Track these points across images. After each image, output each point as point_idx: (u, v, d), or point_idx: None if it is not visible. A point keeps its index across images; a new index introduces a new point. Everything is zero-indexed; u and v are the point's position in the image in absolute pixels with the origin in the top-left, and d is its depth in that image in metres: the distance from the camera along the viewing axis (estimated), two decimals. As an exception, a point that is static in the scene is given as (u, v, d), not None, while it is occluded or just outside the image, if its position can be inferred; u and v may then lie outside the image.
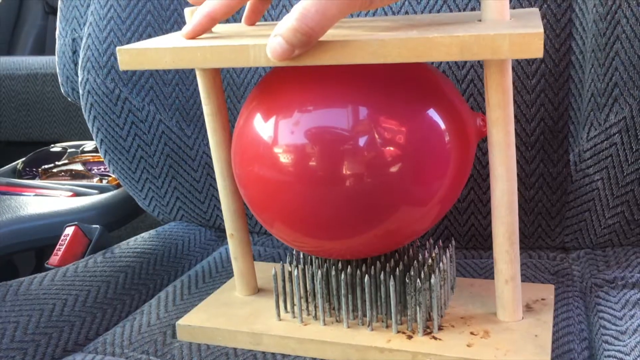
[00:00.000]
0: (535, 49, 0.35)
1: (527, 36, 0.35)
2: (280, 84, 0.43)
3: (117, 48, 0.42)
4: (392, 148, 0.41)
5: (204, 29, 0.42)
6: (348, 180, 0.41)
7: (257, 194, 0.44)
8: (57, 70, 0.71)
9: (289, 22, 0.36)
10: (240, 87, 0.63)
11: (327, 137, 0.41)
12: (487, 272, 0.55)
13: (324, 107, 0.41)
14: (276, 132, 0.42)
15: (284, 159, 0.41)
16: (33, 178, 0.91)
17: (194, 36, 0.43)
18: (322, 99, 0.41)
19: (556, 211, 0.57)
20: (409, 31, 0.38)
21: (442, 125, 0.42)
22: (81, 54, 0.66)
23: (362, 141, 0.40)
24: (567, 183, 0.56)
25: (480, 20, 0.41)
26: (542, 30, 0.36)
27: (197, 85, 0.64)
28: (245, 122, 0.44)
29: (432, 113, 0.42)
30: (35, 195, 0.82)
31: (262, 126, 0.43)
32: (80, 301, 0.53)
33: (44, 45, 1.67)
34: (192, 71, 0.64)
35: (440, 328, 0.44)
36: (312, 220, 0.42)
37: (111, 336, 0.49)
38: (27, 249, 0.74)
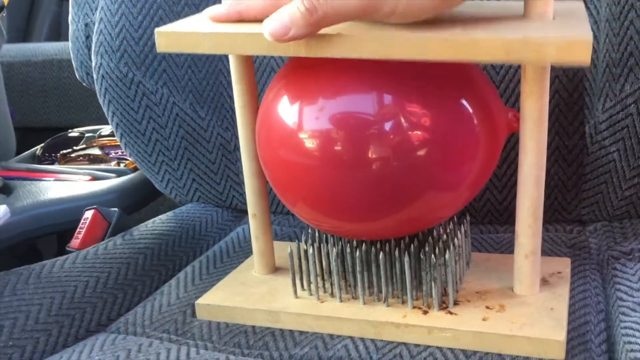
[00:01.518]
0: (583, 56, 0.35)
1: (575, 42, 0.35)
2: (306, 68, 0.43)
3: (156, 30, 0.42)
4: (418, 132, 0.40)
5: (229, 20, 0.43)
6: (374, 163, 0.41)
7: (282, 176, 0.44)
8: (71, 56, 0.71)
9: (297, 2, 0.36)
10: (266, 69, 0.63)
11: (353, 122, 0.41)
12: (503, 247, 0.55)
13: (350, 92, 0.41)
14: (301, 117, 0.42)
15: (309, 143, 0.41)
16: (52, 163, 0.93)
17: (219, 21, 0.43)
18: (349, 84, 0.41)
19: (572, 184, 0.57)
20: (452, 28, 0.37)
21: (471, 115, 0.42)
22: (94, 39, 0.66)
23: (387, 125, 0.40)
24: (583, 155, 0.56)
25: (524, 16, 0.40)
26: (590, 36, 0.35)
27: (209, 67, 0.65)
28: (270, 103, 0.44)
29: (461, 101, 0.42)
30: (55, 180, 0.83)
31: (288, 110, 0.43)
32: (101, 283, 0.54)
33: (59, 31, 1.68)
34: (204, 54, 0.64)
35: (455, 303, 0.44)
36: (337, 202, 0.43)
37: (132, 316, 0.50)
38: (49, 233, 0.75)
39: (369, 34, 0.37)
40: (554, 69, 0.54)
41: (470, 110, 0.42)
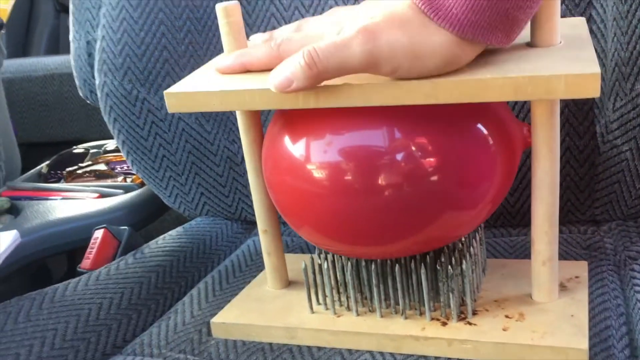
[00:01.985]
0: (592, 89, 0.34)
1: (584, 76, 0.34)
2: None
3: (165, 92, 0.43)
4: (431, 159, 0.40)
5: (235, 72, 0.44)
6: (386, 190, 0.40)
7: (288, 201, 0.44)
8: (74, 74, 0.71)
9: (298, 56, 0.37)
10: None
11: (363, 154, 0.40)
12: (518, 251, 0.55)
13: (359, 125, 0.41)
14: (309, 150, 0.42)
15: (318, 174, 0.41)
16: (58, 181, 0.92)
17: (225, 73, 0.44)
18: (357, 117, 0.41)
19: (585, 184, 0.57)
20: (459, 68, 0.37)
21: (485, 135, 0.41)
22: (96, 57, 0.66)
23: (399, 156, 0.40)
24: (595, 155, 0.55)
25: (529, 45, 0.40)
26: (598, 68, 0.35)
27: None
28: (278, 131, 0.44)
29: (474, 122, 0.41)
30: (62, 198, 0.83)
31: (295, 143, 0.42)
32: (115, 304, 0.54)
33: (57, 44, 1.68)
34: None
35: (474, 313, 0.44)
36: (347, 227, 0.42)
37: (148, 337, 0.50)
38: (59, 252, 0.75)
39: (375, 82, 0.37)
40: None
41: (484, 131, 0.41)
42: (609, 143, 0.54)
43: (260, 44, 0.44)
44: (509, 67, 0.37)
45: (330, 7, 0.56)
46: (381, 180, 0.40)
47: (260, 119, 0.48)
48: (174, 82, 0.64)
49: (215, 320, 0.48)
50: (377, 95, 0.38)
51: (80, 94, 0.72)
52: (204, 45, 0.64)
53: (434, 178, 0.40)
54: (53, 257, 0.77)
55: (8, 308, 0.51)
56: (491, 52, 0.39)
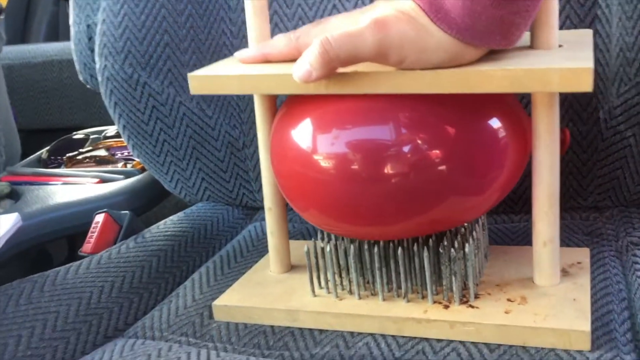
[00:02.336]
0: (585, 83, 0.36)
1: (577, 70, 0.36)
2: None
3: (189, 75, 0.46)
4: (438, 151, 0.41)
5: (256, 61, 0.46)
6: (392, 178, 0.41)
7: (295, 187, 0.44)
8: (74, 58, 0.71)
9: (313, 44, 0.39)
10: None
11: (370, 146, 0.41)
12: (520, 237, 0.55)
13: (366, 116, 0.41)
14: (316, 141, 0.42)
15: (325, 163, 0.42)
16: (58, 166, 0.92)
17: (247, 62, 0.47)
18: (364, 107, 0.41)
19: (587, 170, 0.56)
20: None
21: (494, 124, 0.42)
22: (97, 40, 0.65)
23: (406, 148, 0.41)
24: (598, 141, 0.55)
25: (530, 47, 0.41)
26: (592, 64, 0.36)
27: (215, 64, 0.64)
28: (286, 120, 0.45)
29: (483, 113, 0.42)
30: (63, 183, 0.83)
31: (303, 133, 0.43)
32: (116, 287, 0.54)
33: (57, 31, 1.67)
34: (209, 51, 0.64)
35: (476, 296, 0.44)
36: (353, 209, 0.43)
37: (149, 320, 0.50)
38: (59, 237, 0.75)
39: (383, 71, 0.39)
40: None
41: (493, 122, 0.42)
42: (612, 129, 0.54)
43: (280, 36, 0.46)
44: (508, 61, 0.38)
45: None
46: (387, 169, 0.41)
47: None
48: (175, 66, 0.63)
49: (217, 303, 0.48)
50: (384, 82, 0.39)
51: (80, 78, 0.71)
52: (205, 29, 0.64)
53: (441, 167, 0.41)
54: (53, 242, 0.77)
55: (9, 290, 0.51)
56: (495, 51, 0.41)
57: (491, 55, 0.40)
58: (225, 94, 0.64)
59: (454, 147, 0.41)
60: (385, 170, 0.41)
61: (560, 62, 0.37)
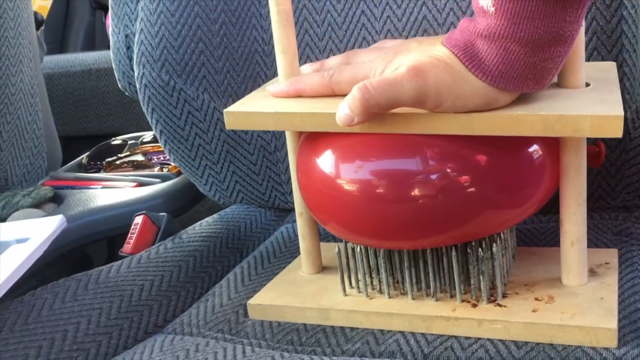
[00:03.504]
0: (616, 130, 0.37)
1: (608, 118, 0.37)
2: None
3: (225, 111, 0.46)
4: (467, 177, 0.41)
5: (288, 96, 0.47)
6: (420, 199, 0.42)
7: (318, 203, 0.46)
8: (114, 67, 0.74)
9: (354, 91, 0.40)
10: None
11: (396, 174, 0.42)
12: (548, 237, 0.55)
13: (394, 148, 0.42)
14: (339, 169, 0.44)
15: (350, 187, 0.43)
16: (98, 171, 0.95)
17: (279, 97, 0.48)
18: (393, 139, 0.42)
19: (616, 170, 0.57)
20: None
21: (529, 148, 0.42)
22: (135, 50, 0.68)
23: (434, 176, 0.41)
24: (626, 141, 0.56)
25: (558, 84, 0.42)
26: (622, 110, 0.37)
27: (247, 71, 0.66)
28: (312, 143, 0.46)
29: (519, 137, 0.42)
30: (102, 187, 0.86)
31: (327, 159, 0.44)
32: (155, 286, 0.56)
33: (93, 40, 1.72)
34: (241, 58, 0.66)
35: (504, 295, 0.45)
36: (378, 228, 0.44)
37: (187, 317, 0.52)
38: (100, 239, 0.78)
39: (417, 113, 0.40)
40: (592, 55, 0.54)
41: (527, 144, 0.42)
42: (640, 129, 0.54)
43: (313, 73, 0.47)
44: (539, 105, 0.39)
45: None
46: (414, 192, 0.41)
47: None
48: (209, 72, 0.66)
49: (251, 302, 0.50)
50: (418, 124, 0.41)
51: (119, 86, 0.74)
52: (237, 36, 0.66)
53: (471, 190, 0.41)
54: (94, 244, 0.80)
55: (56, 288, 0.54)
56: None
57: (522, 96, 0.41)
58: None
59: (487, 171, 0.41)
60: (412, 194, 0.41)
61: (590, 107, 0.38)
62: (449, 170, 0.41)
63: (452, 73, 0.39)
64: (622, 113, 0.37)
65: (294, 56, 0.48)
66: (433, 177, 0.41)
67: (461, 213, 0.42)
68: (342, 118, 0.41)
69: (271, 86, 0.48)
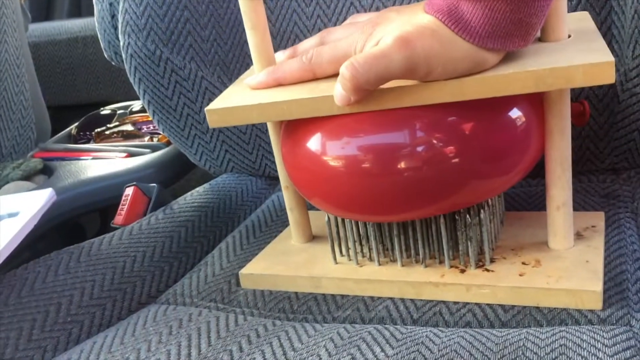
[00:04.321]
0: (608, 76, 0.37)
1: (600, 65, 0.36)
2: None
3: (206, 109, 0.45)
4: (452, 147, 0.41)
5: (268, 87, 0.46)
6: (405, 172, 0.41)
7: (304, 179, 0.46)
8: (99, 36, 0.72)
9: (342, 70, 0.39)
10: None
11: (382, 147, 0.42)
12: (536, 200, 0.56)
13: (376, 123, 0.42)
14: (325, 146, 0.43)
15: (335, 162, 0.43)
16: (87, 142, 0.95)
17: (259, 88, 0.46)
18: (374, 113, 0.42)
19: (604, 133, 0.57)
20: None
21: (514, 114, 0.42)
22: (120, 18, 0.67)
23: (420, 148, 0.41)
24: (614, 104, 0.56)
25: (540, 40, 0.42)
26: (611, 56, 0.37)
27: (234, 38, 0.65)
28: (294, 123, 0.45)
29: (501, 104, 0.42)
30: (93, 158, 0.86)
31: (313, 138, 0.44)
32: (148, 257, 0.57)
33: (79, 7, 1.69)
34: (228, 25, 0.65)
35: (492, 260, 0.45)
36: (363, 203, 0.43)
37: (180, 287, 0.53)
38: (91, 210, 0.78)
39: (405, 85, 0.40)
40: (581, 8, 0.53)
41: (512, 110, 0.42)
42: (628, 91, 0.54)
43: (290, 60, 0.46)
44: (528, 61, 0.39)
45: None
46: (400, 164, 0.41)
47: None
48: (196, 41, 0.65)
49: (243, 271, 0.51)
50: (408, 96, 0.40)
51: (106, 56, 0.73)
52: (224, 3, 0.65)
53: (455, 160, 0.41)
54: (86, 215, 0.80)
55: (48, 261, 0.54)
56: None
57: (509, 55, 0.40)
58: (245, 66, 0.66)
59: (475, 139, 0.41)
60: (398, 166, 0.41)
61: (580, 57, 0.38)
62: (433, 141, 0.41)
63: (439, 39, 0.38)
64: (612, 59, 0.37)
65: (264, 31, 0.46)
66: (418, 149, 0.41)
67: (448, 184, 0.42)
68: (339, 98, 0.40)
69: (248, 78, 0.47)
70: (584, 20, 0.46)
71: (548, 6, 0.38)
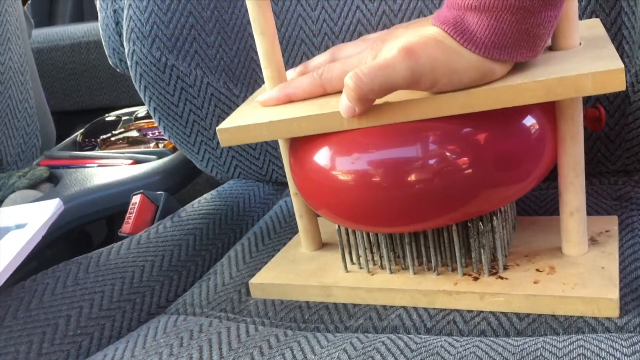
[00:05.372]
0: (618, 83, 0.36)
1: (609, 72, 0.36)
2: None
3: (217, 128, 0.45)
4: (466, 158, 0.40)
5: (279, 103, 0.46)
6: (416, 184, 0.41)
7: (312, 191, 0.45)
8: (103, 43, 0.72)
9: (346, 81, 0.39)
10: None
11: (392, 162, 0.41)
12: (548, 204, 0.55)
13: (386, 137, 0.41)
14: (334, 162, 0.43)
15: (344, 177, 0.42)
16: (93, 148, 0.95)
17: (270, 105, 0.47)
18: (385, 127, 0.42)
19: (615, 134, 0.56)
20: None
21: (528, 122, 0.42)
22: (124, 25, 0.67)
23: (431, 161, 0.40)
24: (625, 105, 0.55)
25: (551, 48, 0.41)
26: (621, 63, 0.36)
27: (239, 44, 0.65)
28: (303, 137, 0.45)
29: (514, 113, 0.41)
30: (98, 166, 0.86)
31: (321, 152, 0.43)
32: (156, 266, 0.56)
33: (82, 12, 1.68)
34: (233, 31, 0.65)
35: (505, 268, 0.45)
36: (374, 215, 0.43)
37: (190, 297, 0.52)
38: (98, 218, 0.78)
39: (413, 98, 0.39)
40: (590, 18, 0.53)
41: (526, 118, 0.42)
42: (639, 92, 0.54)
43: (301, 76, 0.46)
44: (537, 71, 0.38)
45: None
46: (412, 178, 0.41)
47: None
48: (201, 47, 0.64)
49: (253, 281, 0.50)
50: (417, 109, 0.40)
51: (110, 63, 0.73)
52: (228, 9, 0.64)
53: (468, 172, 0.41)
54: (93, 223, 0.80)
55: (57, 273, 0.54)
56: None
57: (518, 66, 0.40)
58: (250, 71, 0.65)
59: (482, 152, 0.41)
60: (409, 179, 0.41)
61: (589, 65, 0.37)
62: (444, 152, 0.40)
63: (444, 49, 0.38)
64: (622, 66, 0.36)
65: (273, 36, 0.46)
66: (429, 161, 0.40)
67: (461, 194, 0.41)
68: (344, 109, 0.40)
69: (260, 95, 0.47)
70: (594, 27, 0.45)
71: (556, 17, 0.38)
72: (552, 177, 0.59)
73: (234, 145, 0.45)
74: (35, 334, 0.48)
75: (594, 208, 0.53)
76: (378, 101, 0.40)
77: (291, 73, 0.49)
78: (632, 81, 0.54)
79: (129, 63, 0.67)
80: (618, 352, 0.36)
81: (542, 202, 0.56)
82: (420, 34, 0.39)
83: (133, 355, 0.44)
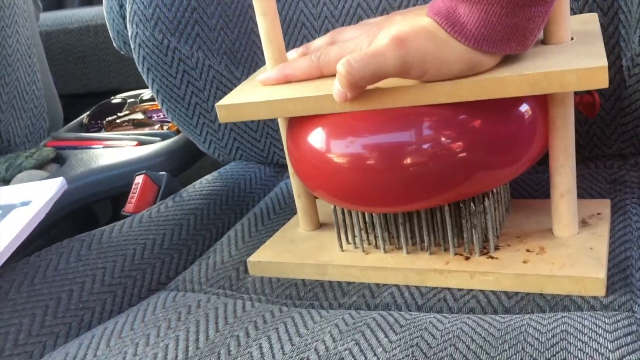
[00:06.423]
0: (601, 81, 0.37)
1: (593, 70, 0.37)
2: None
3: (216, 105, 0.47)
4: (460, 142, 0.41)
5: (278, 83, 0.48)
6: (411, 167, 0.42)
7: (308, 173, 0.46)
8: (108, 26, 0.73)
9: (338, 67, 0.40)
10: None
11: (386, 146, 0.42)
12: (543, 188, 0.56)
13: (384, 120, 0.42)
14: (329, 144, 0.44)
15: (340, 159, 0.43)
16: (99, 130, 0.96)
17: (269, 84, 0.48)
18: (379, 111, 0.42)
19: (611, 118, 0.57)
20: None
21: (520, 108, 0.42)
22: (127, 8, 0.67)
23: (425, 145, 0.41)
24: (621, 89, 0.55)
25: (543, 42, 0.42)
26: (605, 61, 0.37)
27: (241, 27, 0.66)
28: (300, 120, 0.46)
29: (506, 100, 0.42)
30: (104, 147, 0.87)
31: (317, 135, 0.44)
32: (157, 244, 0.58)
33: (90, -5, 1.69)
34: (235, 14, 0.65)
35: (496, 248, 0.46)
36: (368, 196, 0.44)
37: (189, 274, 0.54)
38: (103, 198, 0.79)
39: (403, 85, 0.40)
40: (587, 2, 0.53)
41: (517, 101, 0.42)
42: (635, 76, 0.54)
43: (301, 57, 0.47)
44: (524, 64, 0.39)
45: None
46: (406, 161, 0.42)
47: None
48: (203, 30, 0.65)
49: (251, 259, 0.51)
50: (405, 96, 0.41)
51: (115, 45, 0.74)
52: (231, -8, 0.65)
53: (462, 155, 0.42)
54: (98, 203, 0.81)
55: (60, 249, 0.55)
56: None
57: (507, 58, 0.41)
58: (252, 54, 0.66)
59: (482, 132, 0.41)
60: (404, 162, 0.42)
61: (575, 61, 0.38)
62: (438, 137, 0.41)
63: (435, 40, 0.39)
64: (606, 64, 0.37)
65: (275, 17, 0.47)
66: (423, 145, 0.41)
67: (454, 177, 0.42)
68: (336, 94, 0.41)
69: (260, 75, 0.49)
70: (590, 22, 0.46)
71: (547, 12, 0.38)
72: (547, 160, 0.60)
73: (232, 121, 0.46)
74: (38, 307, 0.49)
75: (588, 191, 0.54)
76: (369, 87, 0.41)
77: (292, 54, 0.50)
78: (628, 65, 0.54)
79: (132, 45, 0.68)
80: (600, 329, 0.37)
81: (537, 186, 0.56)
82: (413, 23, 0.40)
83: (132, 329, 0.45)
